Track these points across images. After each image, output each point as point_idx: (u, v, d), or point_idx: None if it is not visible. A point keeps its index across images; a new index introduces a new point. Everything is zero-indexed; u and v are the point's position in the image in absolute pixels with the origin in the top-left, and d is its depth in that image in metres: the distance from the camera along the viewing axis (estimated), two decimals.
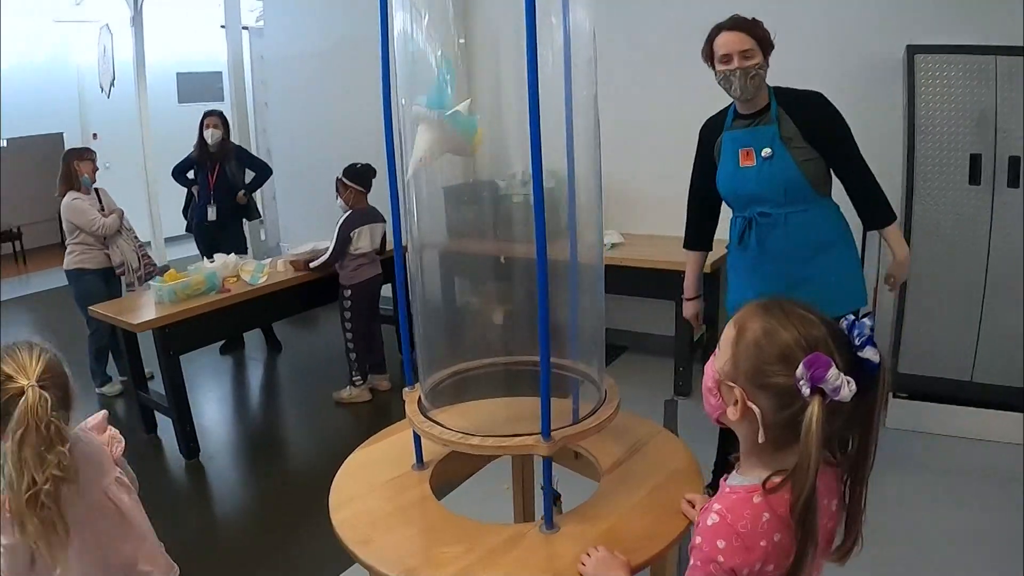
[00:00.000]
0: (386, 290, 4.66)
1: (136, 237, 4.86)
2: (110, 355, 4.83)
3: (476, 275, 4.91)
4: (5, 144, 9.90)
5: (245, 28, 7.23)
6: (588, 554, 1.38)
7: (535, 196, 1.41)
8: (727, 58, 2.42)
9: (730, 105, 2.60)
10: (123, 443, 1.80)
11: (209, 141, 5.24)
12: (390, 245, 4.81)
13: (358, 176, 4.37)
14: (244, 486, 3.82)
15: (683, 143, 4.28)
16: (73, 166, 4.60)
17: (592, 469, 1.84)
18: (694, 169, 2.76)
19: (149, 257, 4.90)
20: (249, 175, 5.52)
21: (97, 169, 4.80)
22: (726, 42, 2.42)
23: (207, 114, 5.31)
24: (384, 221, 4.43)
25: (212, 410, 4.76)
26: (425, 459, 1.85)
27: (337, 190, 4.43)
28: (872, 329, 1.04)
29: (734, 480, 1.15)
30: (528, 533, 1.53)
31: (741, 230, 2.60)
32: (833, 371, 0.98)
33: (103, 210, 4.68)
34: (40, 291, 7.73)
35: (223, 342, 5.63)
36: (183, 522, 3.47)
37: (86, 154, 4.72)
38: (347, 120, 5.90)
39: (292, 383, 5.28)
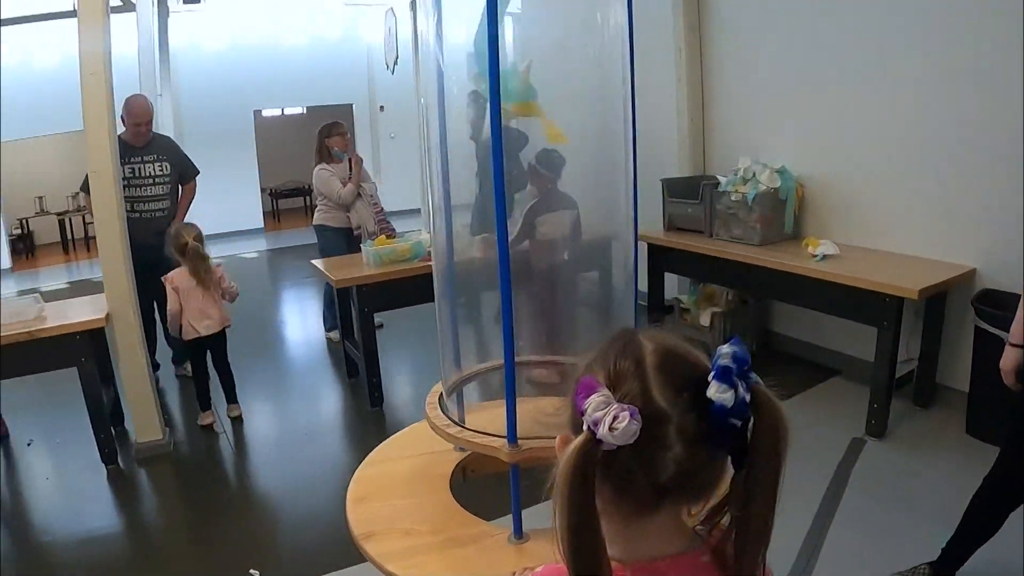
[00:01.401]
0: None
1: (376, 203, 5.27)
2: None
3: (688, 271, 4.64)
4: (305, 111, 11.38)
5: (508, 14, 7.47)
6: (515, 573, 1.22)
7: (496, 192, 1.28)
8: None
9: None
10: (225, 275, 4.07)
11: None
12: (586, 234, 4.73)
13: (551, 163, 4.32)
14: None
15: (918, 147, 3.68)
16: (325, 141, 5.09)
17: None
18: None
19: (387, 223, 5.28)
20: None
21: (349, 140, 5.26)
22: None
23: None
24: (575, 208, 4.34)
25: (409, 368, 5.06)
26: None
27: (529, 176, 4.43)
28: (737, 358, 0.74)
29: None
30: (496, 536, 1.43)
31: None
32: (596, 399, 0.72)
33: (351, 178, 5.13)
34: None
35: None
36: (353, 459, 3.80)
37: (336, 129, 5.19)
38: (588, 107, 5.86)
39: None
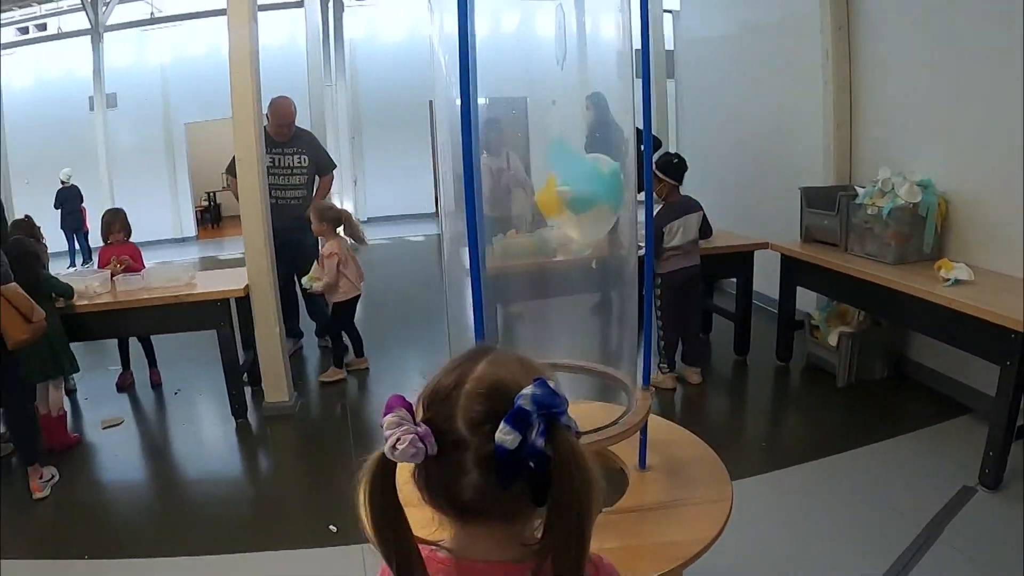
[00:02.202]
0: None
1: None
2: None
3: (819, 286, 4.38)
4: (486, 102, 11.84)
5: (668, 11, 7.36)
6: None
7: (467, 202, 1.32)
8: None
9: None
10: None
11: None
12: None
13: (672, 168, 4.24)
14: None
15: None
16: None
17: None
18: None
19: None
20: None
21: None
22: None
23: None
24: (699, 210, 4.26)
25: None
26: None
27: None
28: (537, 400, 0.76)
29: None
30: None
31: None
32: (390, 418, 0.77)
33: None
34: None
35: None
36: None
37: None
38: (749, 108, 5.68)
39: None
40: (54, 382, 3.70)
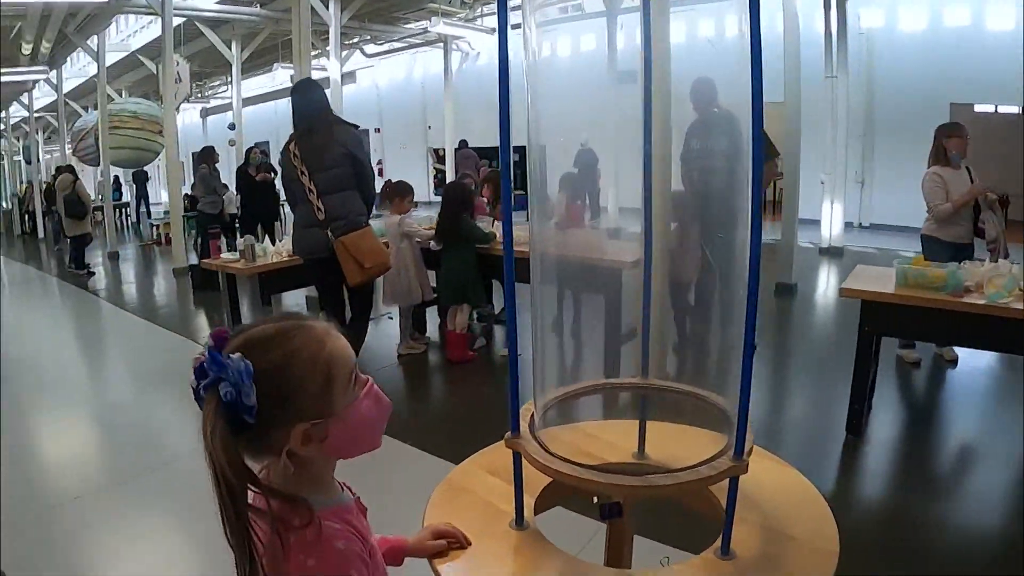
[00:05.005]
0: None
1: (1000, 220, 4.72)
2: None
3: None
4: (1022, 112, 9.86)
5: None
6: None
7: (504, 194, 1.30)
8: None
9: None
10: None
11: None
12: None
13: None
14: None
15: None
16: (943, 142, 4.67)
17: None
18: None
19: (995, 241, 4.69)
20: None
21: (968, 145, 4.69)
22: None
23: None
24: None
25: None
26: None
27: None
28: (207, 363, 0.95)
29: None
30: (503, 521, 1.48)
31: None
32: (205, 342, 0.99)
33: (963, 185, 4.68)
34: None
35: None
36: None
37: (955, 131, 4.69)
38: None
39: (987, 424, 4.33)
40: (461, 308, 4.64)
